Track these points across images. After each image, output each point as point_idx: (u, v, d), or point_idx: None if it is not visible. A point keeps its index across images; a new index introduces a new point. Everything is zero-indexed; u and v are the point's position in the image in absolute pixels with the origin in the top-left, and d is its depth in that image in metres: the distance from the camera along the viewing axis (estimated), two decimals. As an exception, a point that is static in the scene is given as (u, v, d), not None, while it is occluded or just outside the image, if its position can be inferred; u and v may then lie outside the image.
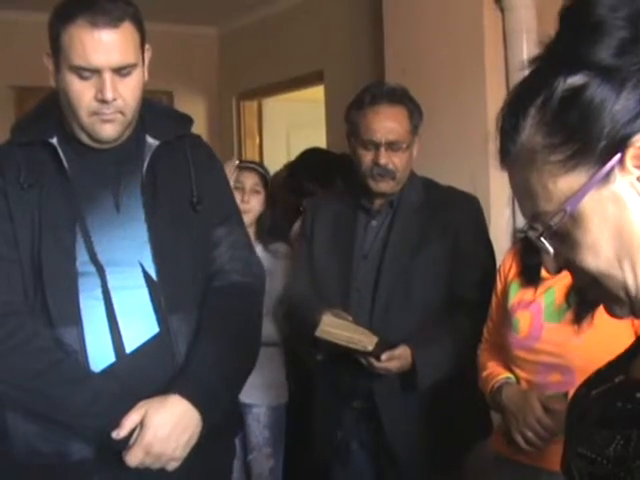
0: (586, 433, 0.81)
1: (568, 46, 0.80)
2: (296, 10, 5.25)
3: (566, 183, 0.79)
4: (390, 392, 2.45)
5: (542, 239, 0.82)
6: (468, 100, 3.41)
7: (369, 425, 2.52)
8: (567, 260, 0.83)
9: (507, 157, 0.85)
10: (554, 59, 0.81)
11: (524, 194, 0.84)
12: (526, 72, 0.85)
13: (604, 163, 0.77)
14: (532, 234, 0.83)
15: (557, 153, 0.79)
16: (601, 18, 0.78)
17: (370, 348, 2.31)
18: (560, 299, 1.97)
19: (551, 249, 0.83)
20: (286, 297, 2.82)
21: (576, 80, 0.78)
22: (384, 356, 2.33)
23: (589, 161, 0.78)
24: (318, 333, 2.34)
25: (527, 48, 3.25)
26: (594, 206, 0.79)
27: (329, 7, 4.92)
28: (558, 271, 0.85)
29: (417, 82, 3.26)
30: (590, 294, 0.86)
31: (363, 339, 2.32)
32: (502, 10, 3.33)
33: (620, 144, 0.76)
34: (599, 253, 0.80)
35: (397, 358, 2.35)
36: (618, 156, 0.76)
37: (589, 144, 0.77)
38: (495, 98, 3.33)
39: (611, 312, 0.85)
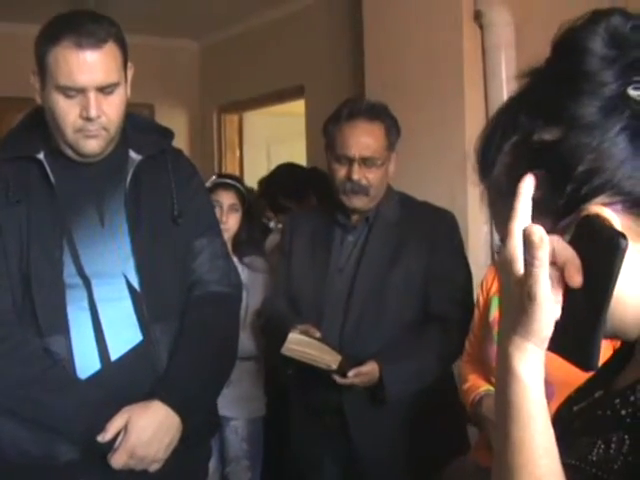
0: (569, 443, 0.83)
1: (552, 91, 0.79)
2: (277, 24, 5.28)
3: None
4: (360, 407, 2.45)
5: None
6: (447, 116, 3.43)
7: (340, 440, 2.51)
8: None
9: (483, 180, 0.86)
10: (536, 101, 0.81)
11: (494, 218, 0.87)
12: (519, 83, 0.85)
13: (560, 219, 0.78)
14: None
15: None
16: (589, 75, 0.77)
17: (334, 367, 2.33)
18: None
19: None
20: (264, 311, 2.82)
21: (552, 133, 0.78)
22: (351, 372, 2.33)
23: (546, 215, 0.78)
24: (283, 351, 2.36)
25: (506, 64, 3.29)
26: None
27: (310, 22, 4.95)
28: None
29: (397, 97, 3.28)
30: None
31: (327, 357, 2.33)
32: (481, 27, 3.37)
33: (577, 205, 0.77)
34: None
35: (364, 374, 2.35)
36: (573, 216, 0.77)
37: (549, 200, 0.78)
38: (474, 114, 3.36)
39: None
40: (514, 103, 0.84)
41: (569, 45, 0.79)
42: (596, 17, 0.79)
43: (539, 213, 0.77)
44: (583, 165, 0.76)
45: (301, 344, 2.35)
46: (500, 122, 0.84)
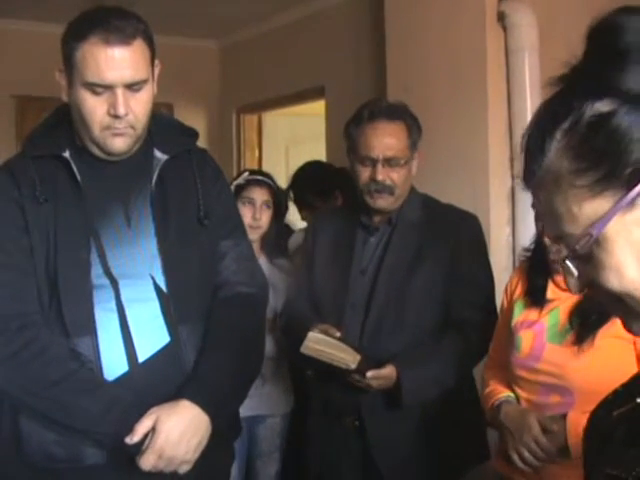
0: (614, 454, 0.81)
1: (596, 70, 0.81)
2: (298, 25, 5.27)
3: (591, 207, 0.80)
4: (378, 410, 2.43)
5: (567, 262, 0.83)
6: (469, 118, 3.41)
7: (357, 442, 2.49)
8: (590, 280, 0.84)
9: (532, 178, 0.85)
10: (582, 82, 0.82)
11: (549, 215, 0.85)
12: (551, 91, 0.85)
13: (630, 189, 0.78)
14: (556, 256, 0.84)
15: (583, 178, 0.80)
16: (630, 46, 0.79)
17: (353, 366, 2.30)
18: (564, 320, 1.97)
19: (576, 271, 0.84)
20: (285, 311, 2.82)
21: (604, 106, 0.79)
22: (370, 373, 2.32)
23: (615, 186, 0.78)
24: (303, 349, 2.34)
25: (529, 66, 3.27)
26: (619, 230, 0.79)
27: (331, 23, 4.94)
28: (581, 291, 0.86)
29: (419, 99, 3.26)
30: (612, 312, 0.87)
31: (346, 357, 2.31)
32: (504, 28, 3.35)
33: None
34: (623, 274, 0.80)
35: (383, 377, 2.33)
36: None
37: (616, 170, 0.78)
38: (496, 116, 3.34)
39: (629, 328, 0.86)
40: (558, 94, 0.84)
41: (607, 25, 0.81)
42: (630, 7, 0.82)
43: (604, 190, 0.79)
44: None
45: (320, 343, 2.33)
46: (548, 110, 0.84)
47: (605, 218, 0.79)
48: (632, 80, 0.78)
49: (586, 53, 0.83)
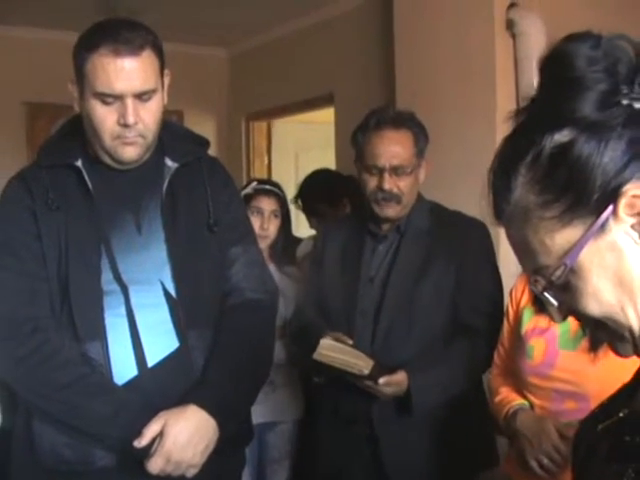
0: (597, 469, 0.82)
1: (551, 102, 0.82)
2: (307, 33, 5.28)
3: (563, 237, 0.81)
4: (389, 417, 2.43)
5: (545, 293, 0.84)
6: (478, 125, 3.41)
7: (368, 449, 2.49)
8: (571, 308, 0.85)
9: (501, 215, 0.86)
10: (539, 115, 0.83)
11: (522, 250, 0.86)
12: (512, 125, 0.87)
13: (599, 214, 0.79)
14: (535, 288, 0.84)
15: (551, 209, 0.81)
16: (580, 73, 0.80)
17: (366, 372, 2.31)
18: (575, 326, 1.96)
19: (555, 302, 0.85)
20: (294, 318, 2.82)
21: (563, 136, 0.80)
22: (382, 380, 2.32)
23: (584, 214, 0.80)
24: (315, 356, 2.34)
25: (538, 74, 3.26)
26: (592, 257, 0.80)
27: (340, 30, 4.95)
28: (564, 319, 0.87)
29: (428, 106, 3.27)
30: (598, 334, 0.88)
31: (359, 363, 2.31)
32: (513, 36, 3.35)
33: (612, 194, 0.78)
34: (601, 300, 0.82)
35: (395, 383, 2.33)
36: (611, 207, 0.78)
37: (582, 198, 0.79)
38: (505, 123, 3.33)
39: (615, 350, 0.88)
40: (519, 127, 0.86)
41: (556, 55, 0.83)
42: (576, 34, 0.83)
43: (574, 219, 0.80)
44: (605, 157, 0.78)
45: (333, 350, 2.33)
46: (510, 146, 0.86)
47: (578, 246, 0.80)
48: (587, 107, 0.79)
49: (540, 85, 0.84)
